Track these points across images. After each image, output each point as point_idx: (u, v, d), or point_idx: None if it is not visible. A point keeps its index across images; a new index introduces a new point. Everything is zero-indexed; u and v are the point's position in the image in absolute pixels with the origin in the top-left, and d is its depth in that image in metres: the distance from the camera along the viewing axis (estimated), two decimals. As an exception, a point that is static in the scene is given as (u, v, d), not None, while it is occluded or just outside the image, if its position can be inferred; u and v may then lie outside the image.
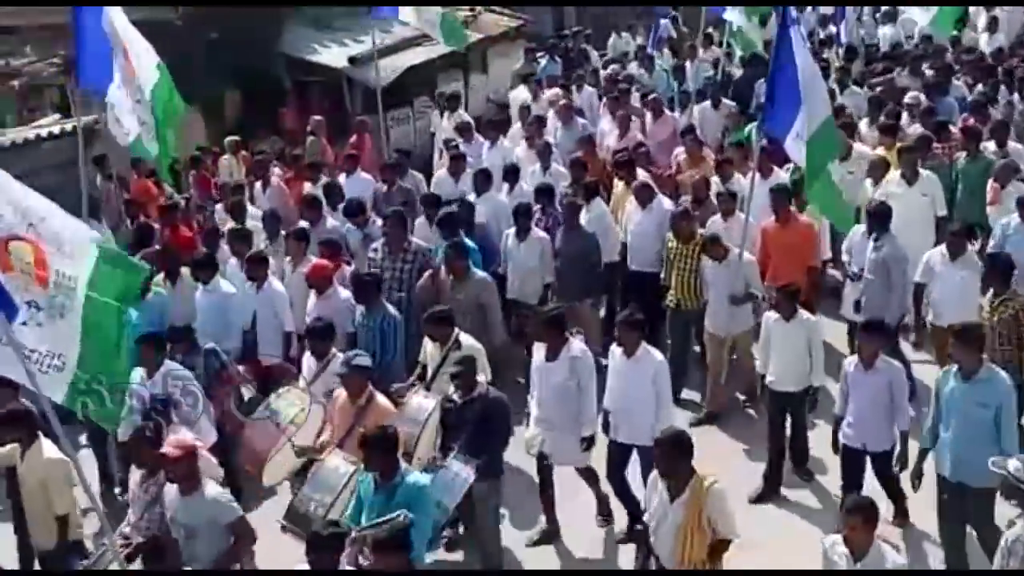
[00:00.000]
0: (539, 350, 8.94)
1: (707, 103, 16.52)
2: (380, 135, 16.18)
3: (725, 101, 16.50)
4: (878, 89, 16.51)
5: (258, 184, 14.26)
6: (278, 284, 10.97)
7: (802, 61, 9.83)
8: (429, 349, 9.32)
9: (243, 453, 8.43)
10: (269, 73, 18.44)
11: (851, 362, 8.51)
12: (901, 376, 8.42)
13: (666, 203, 12.12)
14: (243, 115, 18.64)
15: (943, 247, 10.17)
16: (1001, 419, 7.55)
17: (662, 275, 11.28)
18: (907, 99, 15.00)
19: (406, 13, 15.38)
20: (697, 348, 11.38)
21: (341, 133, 16.83)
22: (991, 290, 9.27)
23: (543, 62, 20.62)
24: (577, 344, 8.84)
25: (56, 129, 13.92)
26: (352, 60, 18.23)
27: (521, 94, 17.66)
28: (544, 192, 12.35)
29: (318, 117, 16.42)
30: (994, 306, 9.08)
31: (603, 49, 22.06)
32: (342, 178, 13.82)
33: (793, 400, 9.46)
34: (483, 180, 12.90)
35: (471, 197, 12.67)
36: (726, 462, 9.42)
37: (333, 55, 18.40)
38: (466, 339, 9.17)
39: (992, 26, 20.67)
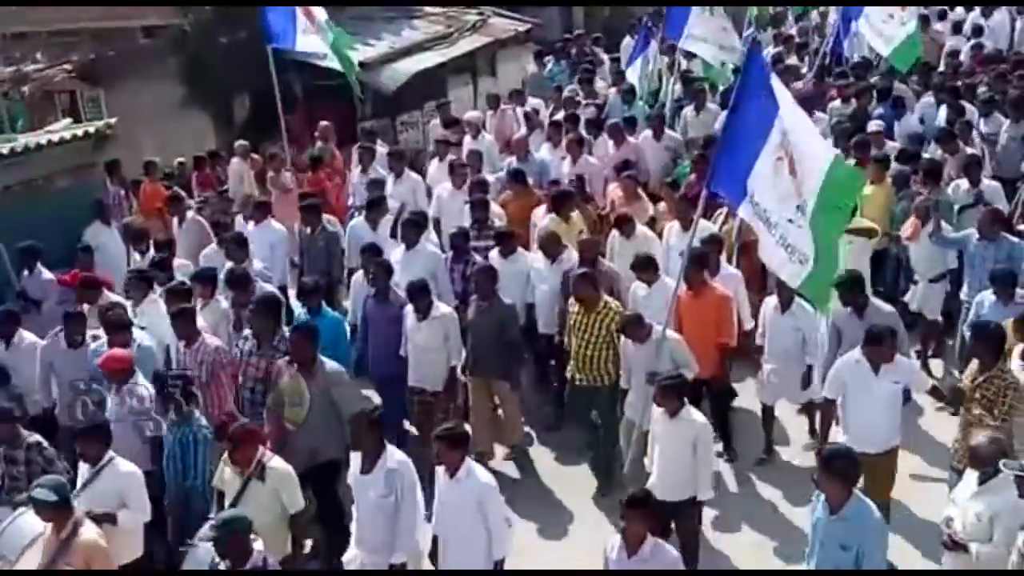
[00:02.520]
0: (355, 460, 7.25)
1: (648, 132, 13.89)
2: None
3: (669, 132, 14.08)
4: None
5: (174, 220, 12.54)
6: (226, 303, 9.54)
7: (774, 107, 7.49)
8: (227, 474, 7.22)
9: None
10: (279, 78, 19.04)
11: (614, 544, 6.51)
12: (677, 562, 6.44)
13: (575, 257, 9.97)
14: (252, 120, 18.44)
15: (859, 353, 7.74)
16: (863, 563, 6.12)
17: (564, 342, 9.40)
18: (871, 127, 12.82)
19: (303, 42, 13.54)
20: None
21: (350, 139, 16.18)
22: (975, 361, 7.67)
23: (550, 65, 19.61)
24: (396, 454, 7.13)
25: (68, 134, 13.01)
26: (362, 65, 17.45)
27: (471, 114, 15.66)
28: (460, 237, 10.45)
29: (326, 123, 15.48)
30: (979, 382, 7.43)
31: (615, 52, 20.59)
32: (249, 227, 11.60)
33: (677, 512, 7.63)
34: (410, 229, 10.32)
35: (399, 251, 10.30)
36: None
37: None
38: (275, 464, 7.11)
39: (977, 33, 18.16)
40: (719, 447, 9.33)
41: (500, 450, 9.88)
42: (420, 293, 9.12)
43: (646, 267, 9.44)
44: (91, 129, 13.55)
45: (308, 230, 11.55)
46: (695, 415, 7.72)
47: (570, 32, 23.00)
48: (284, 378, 8.23)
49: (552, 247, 10.05)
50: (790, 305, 9.01)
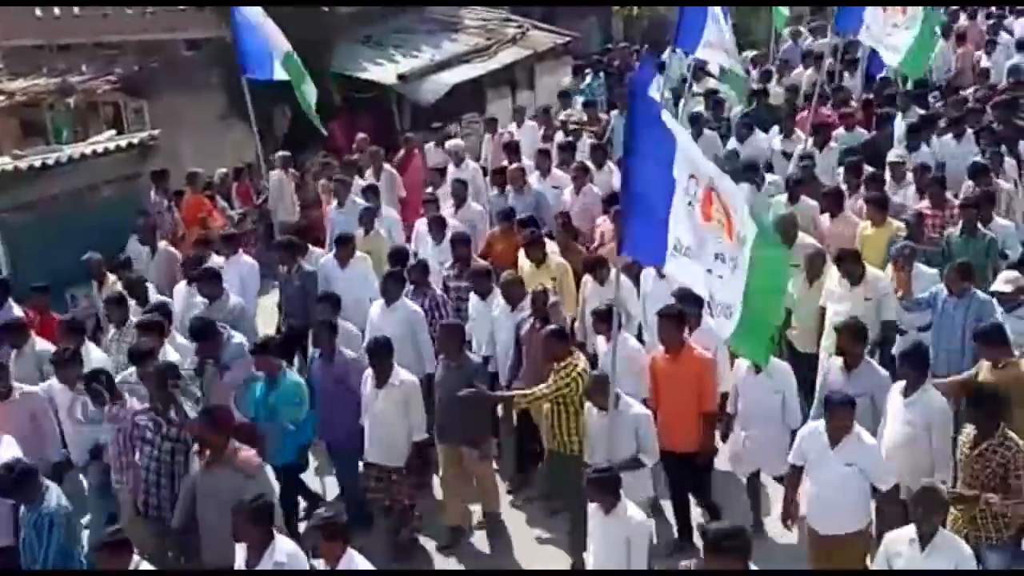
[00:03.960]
0: (240, 550, 6.43)
1: None
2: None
3: None
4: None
5: (145, 249, 11.70)
6: (181, 339, 8.92)
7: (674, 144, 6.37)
8: None
9: None
10: (319, 89, 19.16)
11: None
12: None
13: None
14: (293, 131, 18.53)
15: (821, 424, 6.85)
16: None
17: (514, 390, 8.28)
18: (891, 157, 11.68)
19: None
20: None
21: (388, 150, 15.70)
22: (971, 427, 6.75)
23: (588, 79, 19.15)
24: (284, 544, 6.32)
25: (112, 145, 13.50)
26: (401, 77, 17.66)
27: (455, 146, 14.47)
28: (419, 269, 9.65)
29: (363, 135, 15.38)
30: (980, 451, 6.60)
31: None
32: (219, 261, 10.75)
33: None
34: (391, 283, 9.41)
35: (377, 306, 9.37)
36: None
37: (383, 72, 17.79)
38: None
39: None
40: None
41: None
42: (382, 352, 7.99)
43: (607, 321, 7.96)
44: (135, 140, 13.72)
45: (284, 269, 10.59)
46: (632, 511, 6.66)
47: (609, 44, 22.80)
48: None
49: (514, 293, 8.92)
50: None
